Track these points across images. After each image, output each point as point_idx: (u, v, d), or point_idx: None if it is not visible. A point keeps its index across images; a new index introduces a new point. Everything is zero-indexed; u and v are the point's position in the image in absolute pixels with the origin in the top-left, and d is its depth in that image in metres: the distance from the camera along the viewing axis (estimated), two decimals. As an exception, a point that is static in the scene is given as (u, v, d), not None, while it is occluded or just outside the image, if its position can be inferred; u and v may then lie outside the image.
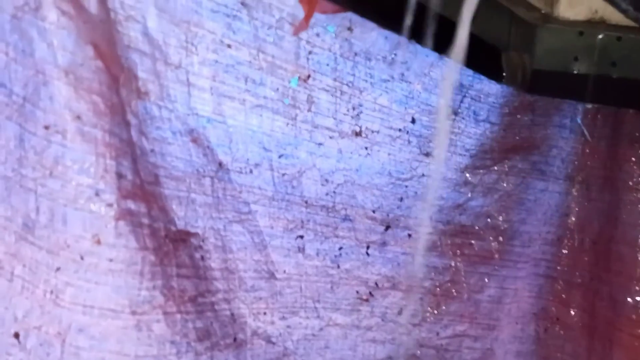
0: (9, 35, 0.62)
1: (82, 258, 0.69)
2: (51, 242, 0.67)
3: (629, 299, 1.32)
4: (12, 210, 0.65)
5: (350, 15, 1.05)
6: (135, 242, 0.72)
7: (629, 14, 1.09)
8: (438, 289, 1.36)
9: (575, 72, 1.33)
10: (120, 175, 0.70)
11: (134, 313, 0.73)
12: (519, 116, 1.38)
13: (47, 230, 0.66)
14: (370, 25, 1.03)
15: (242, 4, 0.93)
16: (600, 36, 1.31)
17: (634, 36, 1.23)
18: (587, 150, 1.39)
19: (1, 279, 0.66)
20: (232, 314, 1.00)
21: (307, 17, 0.98)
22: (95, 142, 0.67)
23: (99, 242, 0.68)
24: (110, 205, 0.69)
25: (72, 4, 0.63)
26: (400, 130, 1.25)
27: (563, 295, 1.43)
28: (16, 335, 0.68)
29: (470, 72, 1.27)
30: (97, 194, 0.68)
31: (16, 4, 0.61)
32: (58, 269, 0.67)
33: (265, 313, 1.11)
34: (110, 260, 0.71)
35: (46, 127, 0.65)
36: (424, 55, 1.20)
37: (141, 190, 0.76)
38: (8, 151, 0.64)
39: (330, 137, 1.13)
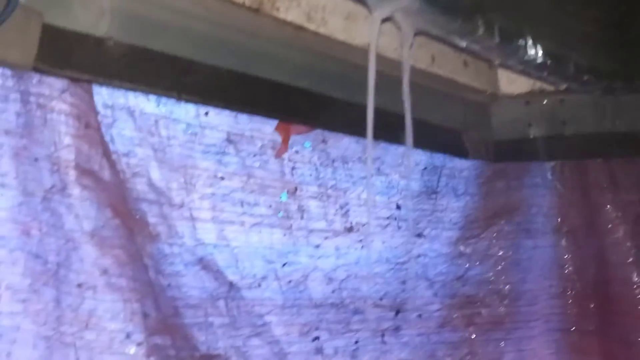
0: (40, 214, 0.73)
1: (122, 399, 0.75)
2: None
3: (633, 325, 1.35)
4: None
5: (321, 130, 1.19)
6: None
7: (557, 85, 1.25)
8: (458, 358, 1.38)
9: (531, 136, 1.48)
10: (145, 315, 0.78)
11: None
12: (494, 184, 1.49)
13: None
14: (341, 134, 1.17)
15: (228, 140, 1.07)
16: (545, 102, 1.48)
17: (574, 97, 1.39)
18: (564, 203, 1.49)
19: None
20: None
21: (285, 140, 1.12)
22: (121, 290, 0.76)
23: None
24: (140, 344, 0.76)
25: (91, 177, 0.76)
26: (388, 218, 1.35)
27: (579, 346, 1.45)
28: None
29: (440, 154, 1.41)
30: (127, 337, 0.76)
31: (45, 187, 0.74)
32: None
33: (296, 420, 1.13)
34: None
35: (79, 286, 0.74)
36: (394, 148, 1.34)
37: (164, 325, 0.83)
38: (47, 313, 0.73)
39: (326, 238, 1.23)
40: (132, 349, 0.76)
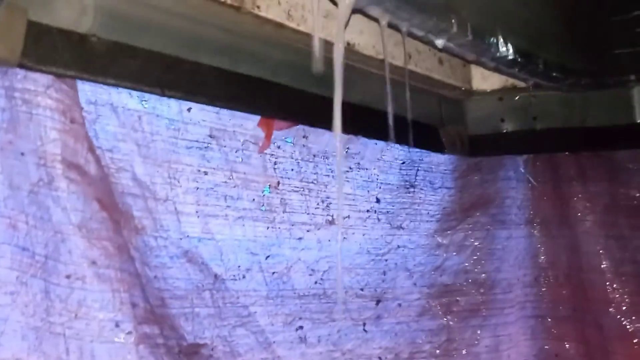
0: (27, 208, 0.74)
1: (112, 385, 0.77)
2: None
3: (611, 322, 1.42)
4: (44, 357, 0.73)
5: (302, 126, 1.22)
6: (153, 357, 0.81)
7: (528, 81, 1.31)
8: (437, 350, 1.43)
9: (504, 131, 1.53)
10: (134, 305, 0.80)
11: None
12: (469, 177, 1.55)
13: None
14: (321, 130, 1.20)
15: (211, 136, 1.09)
16: (517, 98, 1.54)
17: (544, 93, 1.45)
18: (536, 195, 1.55)
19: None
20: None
21: (268, 136, 1.14)
22: (110, 281, 0.77)
23: None
24: (129, 333, 0.78)
25: (77, 171, 0.77)
26: (368, 211, 1.39)
27: (554, 331, 1.52)
28: None
29: (418, 149, 1.45)
30: (117, 325, 0.78)
31: (32, 181, 0.75)
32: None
33: (281, 409, 1.16)
34: None
35: (68, 277, 0.76)
36: (373, 143, 1.38)
37: (152, 314, 0.85)
38: (36, 304, 0.74)
39: (308, 231, 1.26)
40: (122, 338, 0.78)
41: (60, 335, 0.75)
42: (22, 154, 0.77)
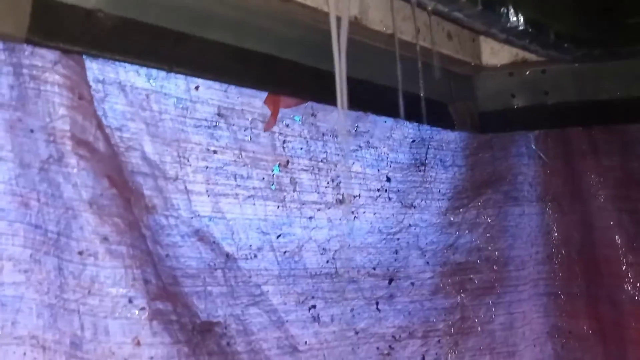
0: (38, 185, 0.74)
1: None
2: (98, 354, 0.75)
3: (625, 297, 1.41)
4: (59, 334, 0.73)
5: (311, 103, 1.21)
6: (169, 337, 0.80)
7: (539, 53, 1.28)
8: (452, 328, 1.42)
9: (515, 106, 1.51)
10: (146, 281, 0.80)
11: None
12: (480, 155, 1.53)
13: (93, 343, 0.74)
14: (330, 107, 1.19)
15: (219, 114, 1.08)
16: (527, 72, 1.51)
17: (555, 66, 1.42)
18: (549, 171, 1.53)
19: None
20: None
21: (274, 114, 1.13)
22: (122, 257, 0.77)
23: (138, 343, 0.77)
24: (143, 308, 0.78)
25: (86, 148, 0.77)
26: (379, 190, 1.38)
27: (568, 308, 1.50)
28: None
29: (428, 127, 1.44)
30: (130, 301, 0.77)
31: (42, 158, 0.74)
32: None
33: (297, 389, 1.16)
34: (151, 357, 0.79)
35: (80, 253, 0.75)
36: (382, 121, 1.36)
37: (165, 292, 0.85)
38: (50, 282, 0.74)
39: (318, 210, 1.25)
40: (135, 313, 0.78)
41: (75, 312, 0.76)
42: (32, 130, 0.76)
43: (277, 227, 1.16)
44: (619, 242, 1.43)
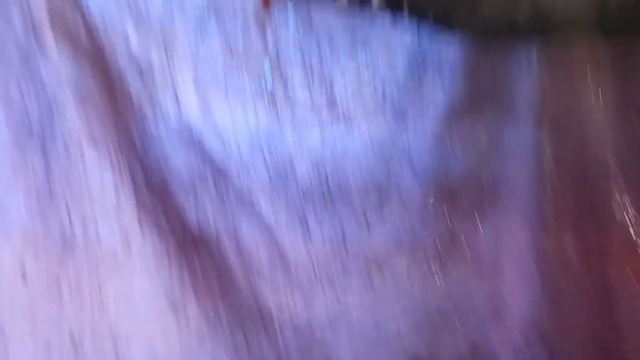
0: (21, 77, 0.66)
1: (118, 261, 0.74)
2: (88, 252, 0.72)
3: (614, 223, 1.41)
4: (49, 234, 0.69)
5: (306, 6, 1.10)
6: (158, 237, 0.78)
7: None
8: (440, 247, 1.41)
9: (517, 18, 1.42)
10: (135, 183, 0.74)
11: (167, 295, 0.79)
12: (478, 69, 1.46)
13: (82, 239, 0.71)
14: (327, 5, 1.09)
15: (208, 9, 0.97)
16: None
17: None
18: (547, 84, 1.47)
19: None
20: (259, 308, 1.04)
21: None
22: (107, 149, 0.72)
23: (129, 244, 0.74)
24: (132, 210, 0.74)
25: (69, 40, 0.68)
26: (373, 106, 1.31)
27: (556, 230, 1.50)
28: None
29: (425, 35, 1.35)
30: (116, 189, 0.73)
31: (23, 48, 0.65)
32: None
33: (288, 304, 1.14)
34: (141, 256, 0.76)
35: (65, 144, 0.69)
36: (380, 23, 1.26)
37: (156, 196, 0.80)
38: (35, 172, 0.68)
39: (311, 124, 1.18)
40: (127, 212, 0.73)
41: (62, 199, 0.71)
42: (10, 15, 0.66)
43: (269, 141, 1.10)
44: (613, 166, 1.42)
